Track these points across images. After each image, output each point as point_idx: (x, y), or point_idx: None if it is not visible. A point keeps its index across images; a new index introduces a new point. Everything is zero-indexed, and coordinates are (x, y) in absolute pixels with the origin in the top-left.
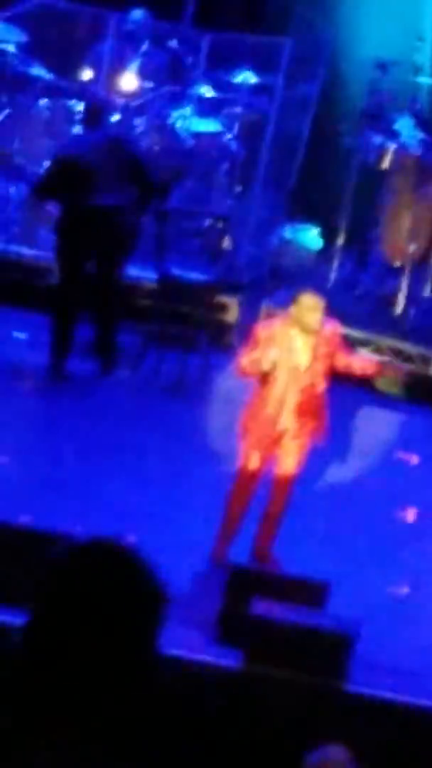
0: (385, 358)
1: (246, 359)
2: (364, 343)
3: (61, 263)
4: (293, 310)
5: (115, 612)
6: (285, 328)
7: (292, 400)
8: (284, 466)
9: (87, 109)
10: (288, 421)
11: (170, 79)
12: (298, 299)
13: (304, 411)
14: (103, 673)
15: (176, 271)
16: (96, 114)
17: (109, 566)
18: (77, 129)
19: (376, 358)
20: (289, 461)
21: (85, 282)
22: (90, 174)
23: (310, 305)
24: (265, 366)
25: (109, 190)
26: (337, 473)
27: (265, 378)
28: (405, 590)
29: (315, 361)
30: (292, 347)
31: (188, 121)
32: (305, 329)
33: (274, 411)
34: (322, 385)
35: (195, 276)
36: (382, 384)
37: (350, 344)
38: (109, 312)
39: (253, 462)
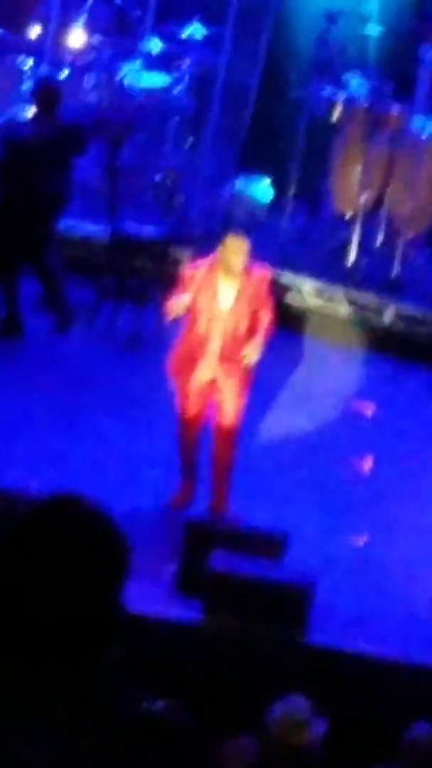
0: None
1: (169, 301)
2: (318, 294)
3: None
4: (219, 251)
5: (79, 567)
6: (210, 271)
7: (215, 342)
8: (223, 413)
9: (40, 97)
10: (212, 364)
11: (118, 33)
12: (224, 241)
13: (228, 354)
14: (69, 629)
15: (129, 226)
16: (49, 102)
17: (72, 522)
18: (26, 85)
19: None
20: (226, 407)
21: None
22: (37, 166)
23: (234, 248)
24: (179, 309)
25: (53, 179)
26: (293, 424)
27: (191, 320)
28: (363, 540)
29: (238, 304)
30: (216, 290)
31: (137, 76)
32: (229, 271)
33: (197, 353)
34: (245, 329)
35: (148, 230)
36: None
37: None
38: (47, 265)
39: (190, 407)
